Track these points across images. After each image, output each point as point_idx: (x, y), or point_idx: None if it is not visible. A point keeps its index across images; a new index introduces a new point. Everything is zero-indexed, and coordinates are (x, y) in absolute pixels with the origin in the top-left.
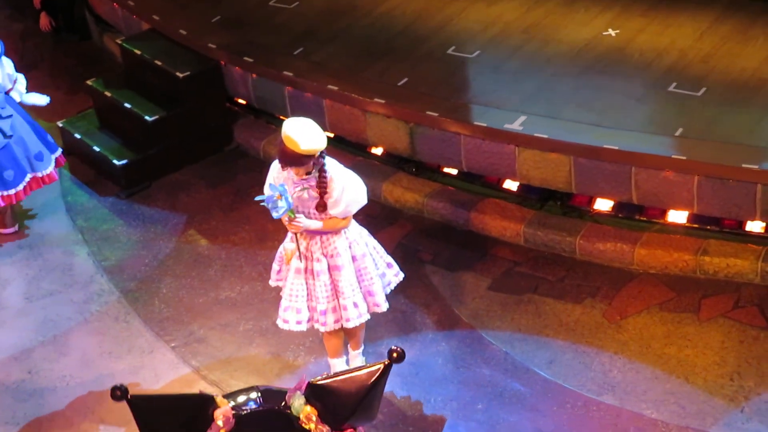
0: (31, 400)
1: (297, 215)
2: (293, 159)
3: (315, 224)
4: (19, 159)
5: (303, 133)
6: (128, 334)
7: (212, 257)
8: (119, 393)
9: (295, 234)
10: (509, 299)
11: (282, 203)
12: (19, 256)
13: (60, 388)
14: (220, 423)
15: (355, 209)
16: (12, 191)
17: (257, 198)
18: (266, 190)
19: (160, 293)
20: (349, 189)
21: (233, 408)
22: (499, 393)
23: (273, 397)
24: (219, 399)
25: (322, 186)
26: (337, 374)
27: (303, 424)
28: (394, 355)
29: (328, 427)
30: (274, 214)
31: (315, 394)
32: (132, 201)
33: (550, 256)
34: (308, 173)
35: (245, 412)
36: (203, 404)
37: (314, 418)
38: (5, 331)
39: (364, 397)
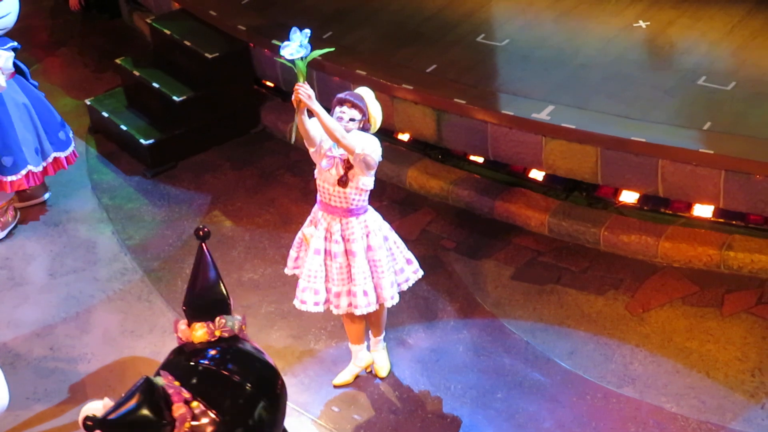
0: (53, 377)
1: (302, 81)
2: (353, 97)
3: (319, 107)
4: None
5: (374, 97)
6: (150, 313)
7: (236, 239)
8: (202, 233)
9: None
10: (532, 289)
11: (300, 48)
12: (44, 232)
13: (81, 366)
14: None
15: (365, 146)
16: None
17: (274, 41)
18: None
19: (183, 273)
20: (373, 138)
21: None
22: (519, 382)
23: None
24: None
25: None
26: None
27: (210, 339)
28: (200, 233)
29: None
30: (287, 53)
31: (195, 314)
32: (157, 180)
33: (574, 247)
34: (352, 120)
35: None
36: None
37: (207, 330)
38: (28, 306)
39: (218, 277)
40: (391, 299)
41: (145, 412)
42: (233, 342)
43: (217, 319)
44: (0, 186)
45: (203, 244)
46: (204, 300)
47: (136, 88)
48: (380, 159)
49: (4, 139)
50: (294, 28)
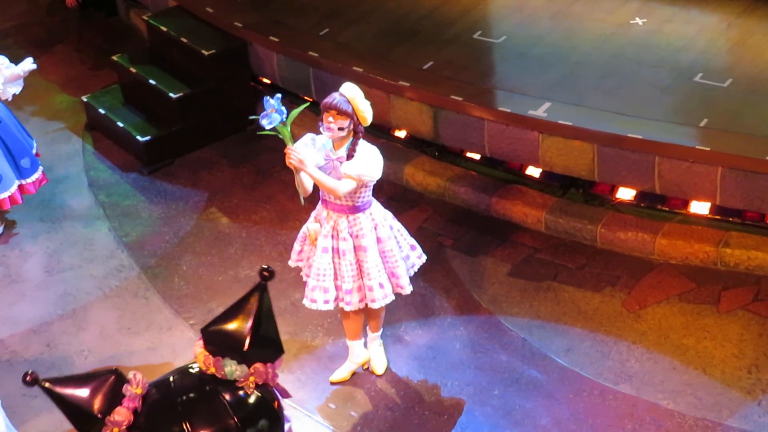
0: (49, 374)
1: (290, 145)
2: (338, 104)
3: (314, 170)
4: None
5: (362, 95)
6: (147, 310)
7: (233, 235)
8: (30, 379)
9: (325, 210)
10: (528, 286)
11: (276, 115)
12: (41, 229)
13: (78, 363)
14: (131, 388)
15: (361, 174)
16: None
17: (252, 117)
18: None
19: (179, 270)
20: (369, 157)
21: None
22: (516, 379)
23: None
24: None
25: (351, 157)
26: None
27: (204, 369)
28: (265, 274)
29: (216, 357)
30: (266, 124)
31: (210, 340)
32: (154, 177)
33: (571, 244)
34: (341, 129)
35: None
36: (116, 381)
37: (204, 358)
38: (25, 303)
39: (256, 325)
40: (409, 286)
41: (88, 395)
42: (222, 387)
43: (223, 359)
44: (26, 190)
45: (264, 286)
46: (223, 336)
47: (133, 85)
48: (382, 167)
49: (16, 143)
50: (265, 98)
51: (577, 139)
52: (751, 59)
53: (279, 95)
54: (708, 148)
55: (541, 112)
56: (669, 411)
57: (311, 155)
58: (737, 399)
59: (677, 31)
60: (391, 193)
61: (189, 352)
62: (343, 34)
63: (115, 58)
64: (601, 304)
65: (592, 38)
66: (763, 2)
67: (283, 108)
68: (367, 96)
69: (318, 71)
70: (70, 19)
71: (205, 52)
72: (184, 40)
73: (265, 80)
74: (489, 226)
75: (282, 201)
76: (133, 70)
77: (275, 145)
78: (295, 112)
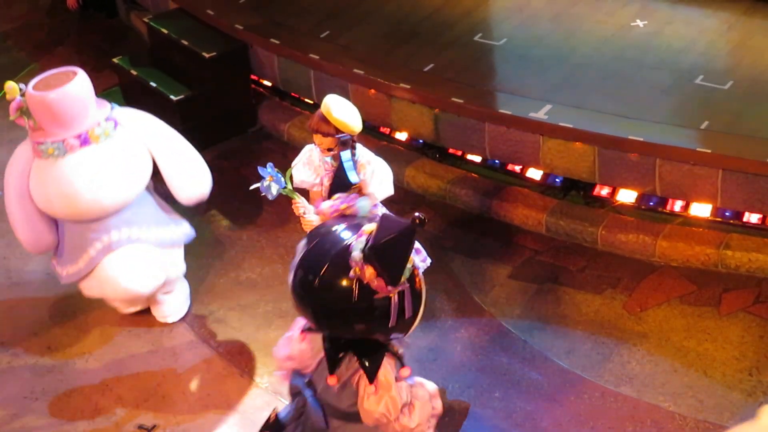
0: (49, 376)
1: (299, 200)
2: (320, 124)
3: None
4: None
5: (340, 105)
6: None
7: (233, 238)
8: (419, 221)
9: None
10: (529, 288)
11: (274, 185)
12: None
13: (78, 365)
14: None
15: (379, 196)
16: None
17: (252, 187)
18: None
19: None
20: (377, 174)
21: None
22: (517, 381)
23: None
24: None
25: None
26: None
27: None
28: (417, 221)
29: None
30: (269, 197)
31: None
32: (154, 180)
33: (572, 246)
34: (330, 150)
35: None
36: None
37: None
38: (26, 305)
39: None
40: None
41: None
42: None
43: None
44: None
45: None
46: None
47: (134, 87)
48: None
49: None
50: (259, 168)
51: (578, 142)
52: (751, 61)
53: (270, 164)
54: (709, 151)
55: (541, 114)
56: (670, 413)
57: (308, 176)
58: (738, 401)
59: (678, 33)
60: (391, 195)
61: (190, 354)
62: (343, 37)
63: (115, 60)
64: (602, 306)
65: (593, 40)
66: (763, 4)
67: (278, 173)
68: (368, 98)
69: (319, 73)
70: (70, 21)
71: (206, 55)
72: (185, 43)
73: (266, 83)
74: (490, 228)
75: (283, 203)
76: (133, 72)
77: (276, 148)
78: (290, 171)
